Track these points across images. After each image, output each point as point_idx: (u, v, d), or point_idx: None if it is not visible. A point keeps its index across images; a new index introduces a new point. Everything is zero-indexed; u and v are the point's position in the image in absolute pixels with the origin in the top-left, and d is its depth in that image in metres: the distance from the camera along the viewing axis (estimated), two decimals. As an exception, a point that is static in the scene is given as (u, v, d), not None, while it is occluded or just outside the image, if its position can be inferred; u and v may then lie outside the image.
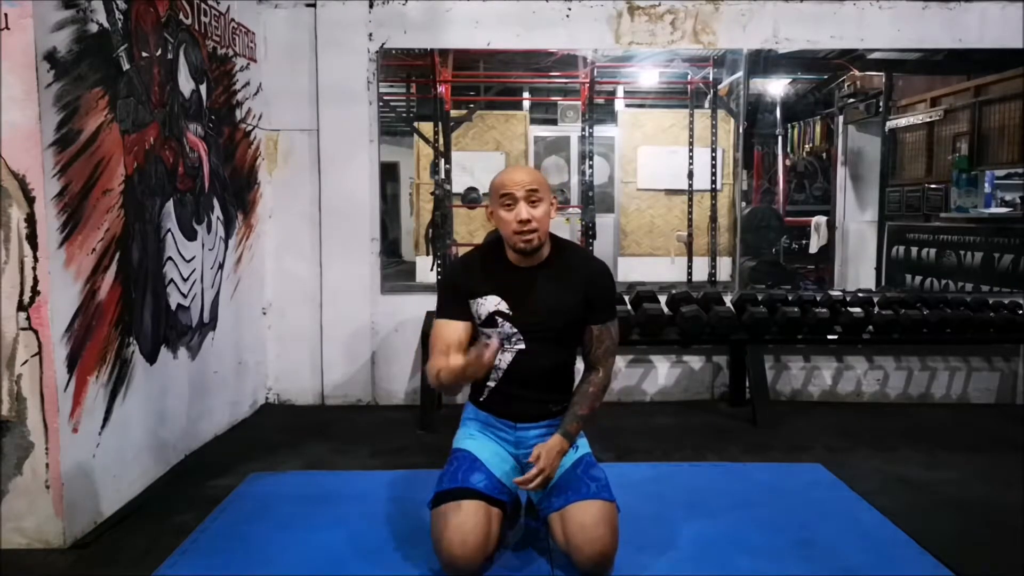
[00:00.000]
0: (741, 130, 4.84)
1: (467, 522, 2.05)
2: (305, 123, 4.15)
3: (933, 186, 5.76)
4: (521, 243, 2.13)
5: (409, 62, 5.28)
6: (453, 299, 2.26)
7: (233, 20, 3.71)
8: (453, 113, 5.79)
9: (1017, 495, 2.84)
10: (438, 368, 2.16)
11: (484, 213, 6.35)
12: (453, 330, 2.23)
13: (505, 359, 2.23)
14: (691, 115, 6.27)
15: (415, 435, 3.70)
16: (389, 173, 9.18)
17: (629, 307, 3.97)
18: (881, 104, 6.17)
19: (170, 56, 3.07)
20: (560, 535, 2.11)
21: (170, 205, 3.06)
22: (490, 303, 2.22)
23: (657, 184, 7.01)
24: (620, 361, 4.20)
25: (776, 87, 6.53)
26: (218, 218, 3.56)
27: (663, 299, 4.04)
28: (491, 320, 2.22)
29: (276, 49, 4.11)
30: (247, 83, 3.88)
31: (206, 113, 3.42)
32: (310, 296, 4.20)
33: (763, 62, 4.63)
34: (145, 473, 2.88)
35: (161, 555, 2.30)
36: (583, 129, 5.45)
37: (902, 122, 6.16)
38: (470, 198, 6.28)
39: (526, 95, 7.21)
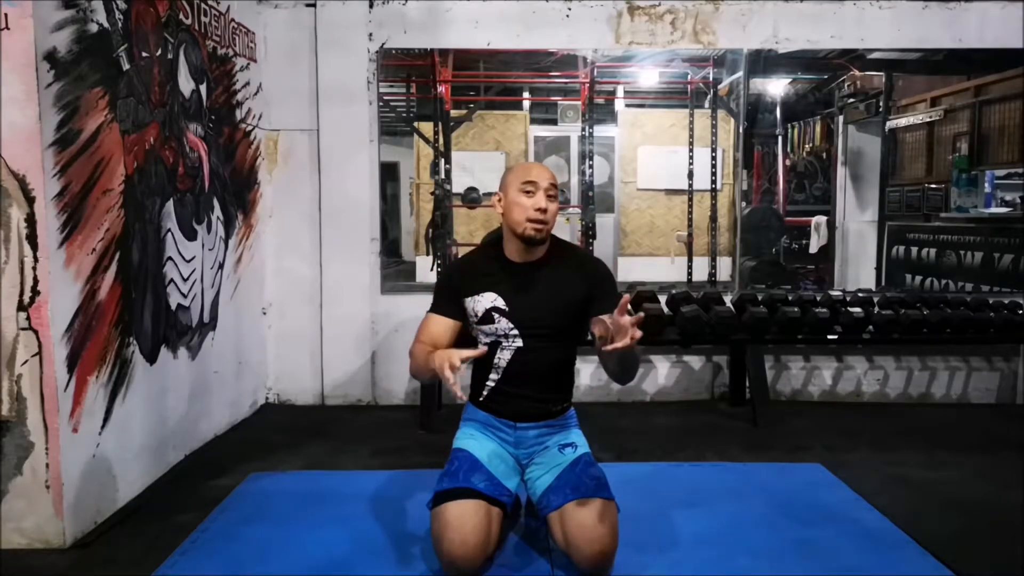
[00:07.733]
0: (741, 130, 4.85)
1: (467, 522, 2.05)
2: (305, 123, 4.14)
3: (933, 186, 5.76)
4: (531, 230, 2.17)
5: (409, 62, 5.29)
6: (446, 296, 2.31)
7: (233, 20, 3.71)
8: (453, 113, 5.79)
9: (1017, 495, 2.84)
10: (415, 351, 2.22)
11: (484, 213, 6.41)
12: (437, 325, 2.29)
13: (504, 357, 2.24)
14: (691, 115, 6.28)
15: (415, 435, 3.69)
16: (389, 173, 9.19)
17: (629, 307, 3.97)
18: (881, 104, 6.17)
19: (170, 56, 3.07)
20: (560, 534, 2.11)
21: (170, 205, 3.06)
22: (486, 299, 2.24)
23: (657, 184, 7.02)
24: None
25: (776, 87, 6.54)
26: (218, 218, 3.56)
27: (663, 299, 4.04)
28: (488, 316, 2.23)
29: (276, 49, 4.11)
30: (247, 83, 3.88)
31: (206, 113, 3.42)
32: (310, 296, 4.20)
33: (763, 62, 4.63)
34: (145, 473, 2.88)
35: (161, 555, 2.30)
36: (583, 129, 5.46)
37: (902, 122, 6.16)
38: (470, 198, 6.28)
39: (526, 95, 7.22)
